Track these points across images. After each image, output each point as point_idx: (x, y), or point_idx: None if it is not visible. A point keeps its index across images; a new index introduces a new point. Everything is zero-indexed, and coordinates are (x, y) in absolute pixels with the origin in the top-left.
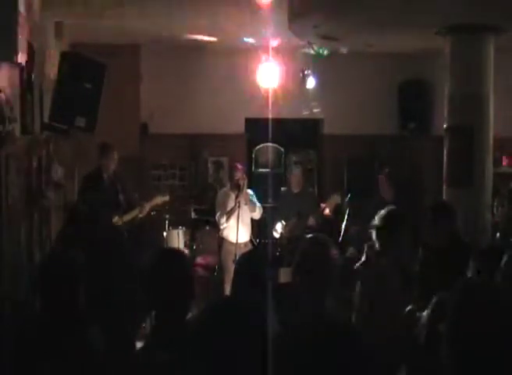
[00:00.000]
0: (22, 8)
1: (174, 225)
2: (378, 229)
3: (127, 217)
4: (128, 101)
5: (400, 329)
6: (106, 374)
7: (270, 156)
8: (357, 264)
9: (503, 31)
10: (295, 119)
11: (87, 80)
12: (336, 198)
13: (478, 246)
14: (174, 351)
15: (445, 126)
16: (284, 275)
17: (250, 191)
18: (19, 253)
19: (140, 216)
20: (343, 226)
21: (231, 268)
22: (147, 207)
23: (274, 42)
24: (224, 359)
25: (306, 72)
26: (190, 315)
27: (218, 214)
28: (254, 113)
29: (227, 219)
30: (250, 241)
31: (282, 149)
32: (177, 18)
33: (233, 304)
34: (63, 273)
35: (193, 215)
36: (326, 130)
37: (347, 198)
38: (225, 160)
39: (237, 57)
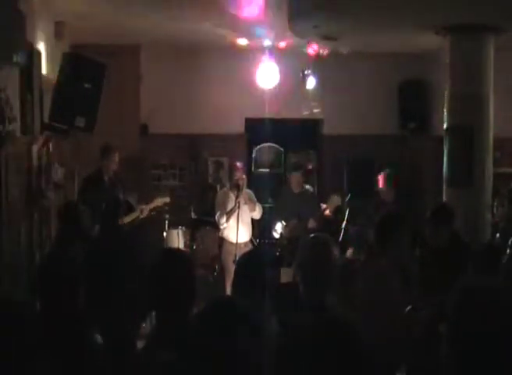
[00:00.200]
0: (22, 8)
1: (174, 225)
2: (378, 229)
3: (127, 219)
4: (128, 101)
5: (400, 329)
6: (107, 374)
7: (270, 156)
8: (357, 264)
9: (503, 31)
10: (295, 119)
11: (87, 80)
12: (336, 200)
13: (477, 246)
14: (175, 351)
15: (445, 126)
16: (284, 275)
17: (249, 191)
18: (19, 253)
19: (141, 216)
20: (343, 226)
21: (231, 268)
22: (147, 209)
23: (274, 42)
24: (223, 359)
25: (306, 72)
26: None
27: (217, 214)
28: (254, 113)
29: (227, 219)
30: (251, 240)
31: (282, 149)
32: (177, 18)
33: (231, 304)
34: (63, 273)
35: (193, 215)
36: (326, 130)
37: (347, 199)
38: (225, 160)
39: (237, 57)
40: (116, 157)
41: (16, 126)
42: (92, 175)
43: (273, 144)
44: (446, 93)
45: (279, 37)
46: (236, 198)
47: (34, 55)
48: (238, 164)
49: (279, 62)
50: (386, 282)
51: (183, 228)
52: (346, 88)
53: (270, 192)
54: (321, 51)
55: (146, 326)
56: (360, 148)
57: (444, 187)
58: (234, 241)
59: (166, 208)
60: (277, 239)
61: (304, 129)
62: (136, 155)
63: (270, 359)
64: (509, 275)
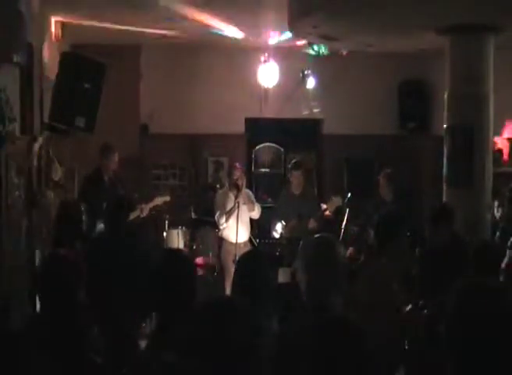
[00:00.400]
0: (22, 8)
1: (174, 225)
2: (378, 229)
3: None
4: (128, 101)
5: (400, 329)
6: (108, 374)
7: (270, 156)
8: (357, 264)
9: (502, 31)
10: (295, 119)
11: (87, 80)
12: (336, 201)
13: (474, 245)
14: (177, 351)
15: (445, 126)
16: (284, 275)
17: (248, 191)
18: (19, 253)
19: (141, 216)
20: (343, 226)
21: (231, 268)
22: (147, 208)
23: (274, 42)
24: (223, 358)
25: (306, 72)
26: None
27: (217, 214)
28: (254, 113)
29: (226, 219)
30: (250, 240)
31: (282, 149)
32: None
33: (230, 303)
34: (63, 273)
35: (193, 215)
36: (326, 130)
37: (347, 199)
38: (225, 160)
39: (237, 57)
40: (116, 157)
41: (15, 126)
42: (92, 175)
43: (273, 144)
44: (446, 93)
45: (278, 37)
46: (236, 198)
47: (34, 55)
48: (237, 164)
49: (279, 62)
50: (386, 282)
51: (183, 228)
52: (346, 88)
53: (270, 192)
54: (321, 52)
55: (146, 327)
56: (360, 148)
57: (444, 187)
58: (233, 240)
59: (166, 207)
60: (277, 239)
61: (304, 129)
62: (136, 155)
63: (270, 359)
64: (508, 275)
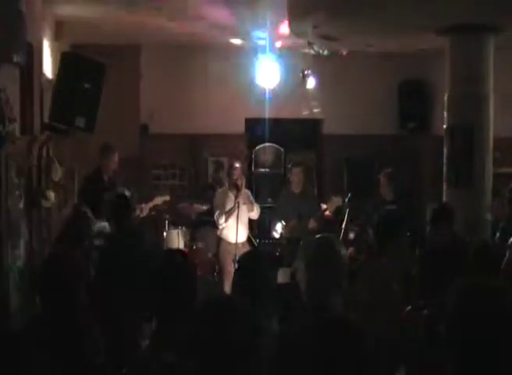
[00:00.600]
0: (22, 8)
1: (174, 225)
2: (378, 229)
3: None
4: (128, 101)
5: (400, 329)
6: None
7: (270, 156)
8: (357, 264)
9: (502, 31)
10: (295, 119)
11: (87, 80)
12: (336, 201)
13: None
14: (177, 351)
15: (445, 126)
16: (284, 275)
17: (247, 191)
18: (19, 253)
19: (141, 216)
20: (343, 226)
21: (230, 268)
22: (147, 208)
23: (274, 42)
24: (223, 358)
25: (306, 72)
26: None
27: (216, 213)
28: (254, 113)
29: (226, 219)
30: (248, 240)
31: (282, 149)
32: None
33: (228, 303)
34: (63, 273)
35: (193, 215)
36: (326, 130)
37: (347, 199)
38: (225, 160)
39: (237, 57)
40: (116, 157)
41: (15, 126)
42: (92, 175)
43: (273, 144)
44: (446, 93)
45: (279, 37)
46: (236, 197)
47: (34, 55)
48: (236, 164)
49: (279, 62)
50: (386, 282)
51: (183, 228)
52: (346, 88)
53: (270, 192)
54: (320, 52)
55: (146, 327)
56: (360, 148)
57: (444, 187)
58: (232, 240)
59: (166, 207)
60: (277, 239)
61: (304, 129)
62: (136, 155)
63: (270, 359)
64: (508, 275)
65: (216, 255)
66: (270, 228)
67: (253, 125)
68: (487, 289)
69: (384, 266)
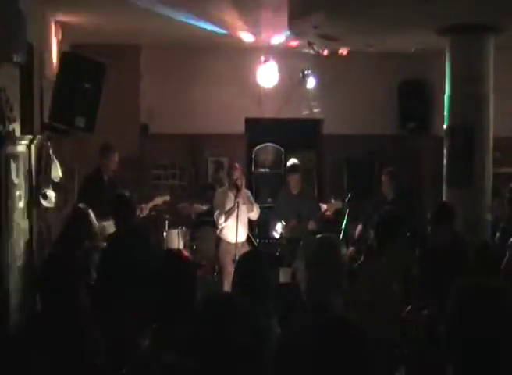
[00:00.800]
0: (22, 8)
1: (174, 225)
2: (378, 229)
3: None
4: (128, 101)
5: (400, 329)
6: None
7: (270, 156)
8: (357, 264)
9: (502, 31)
10: (295, 119)
11: (87, 80)
12: (336, 204)
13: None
14: (177, 351)
15: (445, 126)
16: (284, 275)
17: (247, 192)
18: (19, 253)
19: (141, 216)
20: (343, 226)
21: (229, 267)
22: (147, 208)
23: (274, 42)
24: (223, 358)
25: (306, 72)
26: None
27: (216, 213)
28: (254, 113)
29: (226, 219)
30: (248, 240)
31: (282, 149)
32: (177, 18)
33: (228, 303)
34: (63, 273)
35: (193, 215)
36: (326, 130)
37: (347, 199)
38: (225, 160)
39: (237, 57)
40: (116, 157)
41: (15, 126)
42: (92, 175)
43: (273, 144)
44: (446, 93)
45: (278, 37)
46: (236, 197)
47: (34, 55)
48: (236, 164)
49: (279, 62)
50: (386, 282)
51: (183, 228)
52: (346, 88)
53: (270, 192)
54: (320, 51)
55: (146, 327)
56: (360, 148)
57: (444, 188)
58: (232, 240)
59: (166, 207)
60: (277, 239)
61: (304, 129)
62: (136, 155)
63: (270, 359)
64: (508, 276)
65: (216, 255)
66: (270, 228)
67: (253, 125)
68: (487, 289)
69: (384, 266)
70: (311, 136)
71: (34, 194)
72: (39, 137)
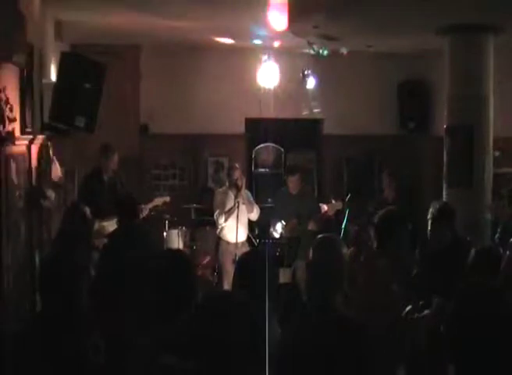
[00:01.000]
0: (22, 8)
1: (174, 225)
2: (378, 229)
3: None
4: (128, 101)
5: (400, 329)
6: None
7: (270, 156)
8: (357, 264)
9: (503, 31)
10: (295, 119)
11: (87, 80)
12: (337, 204)
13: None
14: (177, 351)
15: (445, 126)
16: (284, 275)
17: (247, 192)
18: (19, 253)
19: (141, 216)
20: (343, 226)
21: (229, 267)
22: (147, 208)
23: (274, 42)
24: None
25: (306, 72)
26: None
27: (216, 212)
28: (254, 113)
29: (226, 219)
30: (249, 240)
31: (282, 149)
32: (177, 18)
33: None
34: (63, 273)
35: (193, 215)
36: (326, 130)
37: (347, 199)
38: (225, 160)
39: (237, 57)
40: (116, 157)
41: (15, 126)
42: (92, 174)
43: (273, 144)
44: (446, 93)
45: (279, 37)
46: (236, 197)
47: (34, 55)
48: (236, 165)
49: (279, 62)
50: (386, 282)
51: (183, 228)
52: (346, 88)
53: (270, 192)
54: (320, 51)
55: (146, 327)
56: (360, 148)
57: (444, 188)
58: (232, 240)
59: (166, 208)
60: (277, 239)
61: (303, 129)
62: (136, 155)
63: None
64: (508, 277)
65: (216, 255)
66: (270, 228)
67: (253, 125)
68: (487, 290)
69: (384, 266)
70: (311, 136)
71: (34, 194)
72: (39, 137)
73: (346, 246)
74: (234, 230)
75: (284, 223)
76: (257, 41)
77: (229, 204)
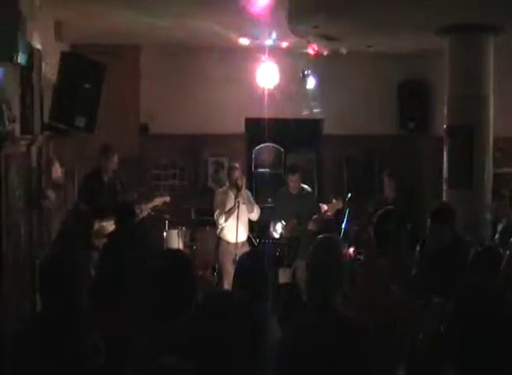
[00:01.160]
0: (22, 8)
1: (174, 225)
2: (377, 229)
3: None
4: (128, 101)
5: (400, 329)
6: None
7: (270, 156)
8: (357, 264)
9: (503, 31)
10: (295, 119)
11: (87, 80)
12: (337, 204)
13: (477, 249)
14: (177, 351)
15: (445, 126)
16: (284, 275)
17: (247, 192)
18: (19, 253)
19: (141, 216)
20: (343, 226)
21: (229, 267)
22: (147, 208)
23: (274, 42)
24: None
25: (306, 72)
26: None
27: (216, 212)
28: (254, 113)
29: (226, 219)
30: (249, 240)
31: (282, 149)
32: (177, 18)
33: (228, 303)
34: (63, 273)
35: (193, 215)
36: (326, 130)
37: (347, 199)
38: (225, 160)
39: (237, 57)
40: (116, 157)
41: (15, 126)
42: (91, 174)
43: (273, 144)
44: (446, 93)
45: (279, 37)
46: (236, 197)
47: (34, 55)
48: (236, 165)
49: (279, 62)
50: (386, 282)
51: (183, 228)
52: (346, 88)
53: (270, 192)
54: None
55: (146, 327)
56: (361, 148)
57: (444, 188)
58: (232, 240)
59: (165, 208)
60: (277, 239)
61: (304, 129)
62: (136, 155)
63: (270, 358)
64: (508, 277)
65: (216, 255)
66: (270, 228)
67: (253, 125)
68: (487, 290)
69: (384, 266)
70: (311, 136)
71: (34, 194)
72: (39, 137)
73: (346, 246)
74: (234, 230)
75: (284, 223)
76: (257, 41)
77: (230, 204)
